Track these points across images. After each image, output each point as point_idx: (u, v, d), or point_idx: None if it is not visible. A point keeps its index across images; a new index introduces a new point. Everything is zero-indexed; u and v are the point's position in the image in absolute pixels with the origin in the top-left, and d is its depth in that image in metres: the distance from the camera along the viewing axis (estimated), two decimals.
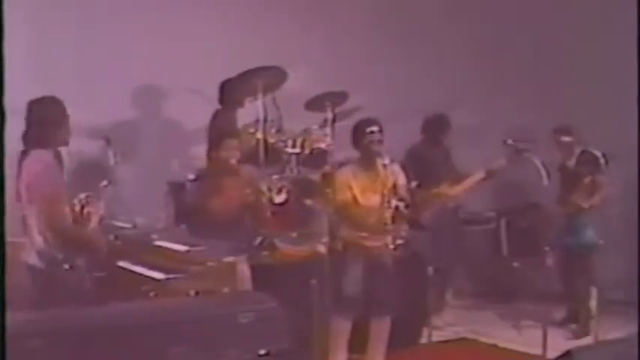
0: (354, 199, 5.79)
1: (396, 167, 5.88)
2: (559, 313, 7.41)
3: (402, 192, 5.76)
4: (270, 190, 6.36)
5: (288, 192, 6.40)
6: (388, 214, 5.73)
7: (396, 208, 5.69)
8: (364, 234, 5.79)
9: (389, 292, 5.82)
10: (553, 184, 6.33)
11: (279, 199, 6.35)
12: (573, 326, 7.23)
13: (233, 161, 6.38)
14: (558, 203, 7.37)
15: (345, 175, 5.87)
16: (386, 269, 5.81)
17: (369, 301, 5.78)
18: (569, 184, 7.30)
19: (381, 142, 5.83)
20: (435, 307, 7.14)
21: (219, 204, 6.22)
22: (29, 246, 4.90)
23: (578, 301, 7.26)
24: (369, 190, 5.81)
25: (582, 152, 7.21)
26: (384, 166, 5.78)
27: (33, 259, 4.85)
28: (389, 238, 5.76)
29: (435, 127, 7.69)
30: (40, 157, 4.84)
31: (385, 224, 5.74)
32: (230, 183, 6.31)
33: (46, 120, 4.92)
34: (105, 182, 5.04)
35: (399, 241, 5.75)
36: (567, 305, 7.49)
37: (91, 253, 5.01)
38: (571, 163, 7.33)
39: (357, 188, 5.80)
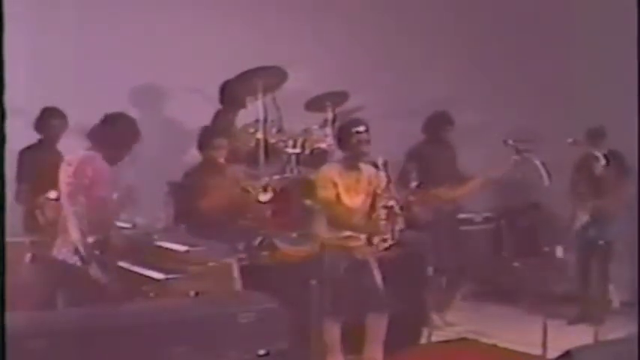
0: (338, 197, 5.76)
1: (382, 173, 5.81)
2: (568, 311, 7.40)
3: (394, 193, 5.74)
4: (254, 188, 6.37)
5: (274, 190, 6.39)
6: (382, 213, 5.70)
7: (391, 207, 5.67)
8: (346, 234, 5.76)
9: (374, 291, 5.77)
10: (556, 184, 6.34)
11: (265, 197, 6.34)
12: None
13: (221, 160, 6.40)
14: (578, 199, 7.41)
15: (329, 173, 5.84)
16: (369, 269, 5.77)
17: (353, 302, 5.72)
18: (592, 183, 7.33)
19: (368, 142, 5.80)
20: (443, 306, 7.18)
21: (206, 203, 6.22)
22: (61, 241, 4.97)
23: (595, 298, 7.31)
24: (353, 190, 5.79)
25: (609, 152, 7.20)
26: (377, 166, 5.76)
27: (64, 255, 4.92)
28: (378, 239, 5.73)
29: (436, 124, 7.65)
30: (96, 161, 4.99)
31: (378, 224, 5.72)
32: (216, 182, 6.32)
33: (124, 136, 5.12)
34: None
35: (390, 242, 5.72)
36: (581, 303, 7.49)
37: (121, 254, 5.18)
38: (598, 165, 7.29)
39: (341, 187, 5.77)
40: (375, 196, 5.78)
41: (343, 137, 5.87)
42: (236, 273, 5.62)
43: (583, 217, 7.41)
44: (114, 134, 5.08)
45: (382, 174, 5.77)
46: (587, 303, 7.43)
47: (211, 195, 6.26)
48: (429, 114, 7.74)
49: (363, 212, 5.79)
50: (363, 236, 5.75)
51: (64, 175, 5.01)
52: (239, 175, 6.53)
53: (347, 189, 5.78)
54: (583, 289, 7.55)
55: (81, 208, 4.87)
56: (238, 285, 5.58)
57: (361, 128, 5.78)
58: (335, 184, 5.76)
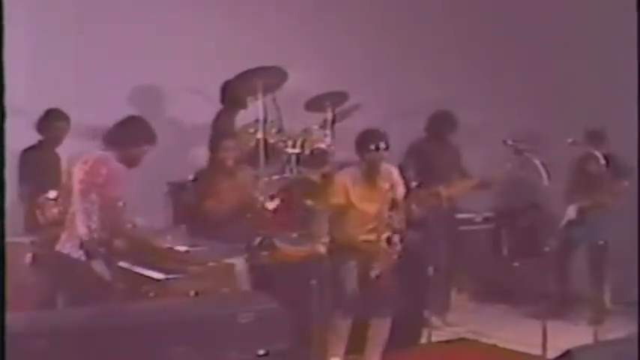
0: (350, 204, 5.72)
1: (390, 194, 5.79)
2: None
3: (396, 223, 5.69)
4: (261, 195, 6.37)
5: (281, 199, 6.39)
6: (382, 242, 5.68)
7: (389, 237, 5.64)
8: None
9: (383, 292, 5.77)
10: (557, 184, 6.35)
11: (272, 205, 6.36)
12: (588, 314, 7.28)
13: (230, 162, 6.40)
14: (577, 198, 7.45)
15: (343, 179, 5.80)
16: (373, 271, 5.76)
17: (364, 302, 5.73)
18: (587, 182, 7.34)
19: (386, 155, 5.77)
20: (440, 307, 7.16)
21: (214, 205, 6.22)
22: (66, 236, 5.02)
23: (590, 297, 7.34)
24: (366, 199, 5.74)
25: (609, 154, 7.20)
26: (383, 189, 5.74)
27: (68, 249, 4.96)
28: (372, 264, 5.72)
29: (439, 124, 7.65)
30: (111, 162, 5.01)
31: (377, 249, 5.70)
32: (226, 184, 6.32)
33: (138, 138, 5.13)
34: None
35: (381, 270, 5.70)
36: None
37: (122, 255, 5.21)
38: (596, 165, 7.27)
39: (354, 195, 5.72)
40: (381, 213, 5.73)
41: (362, 148, 5.74)
42: (244, 272, 5.63)
43: (571, 213, 7.45)
44: (129, 136, 5.10)
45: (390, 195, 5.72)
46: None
47: (219, 197, 6.26)
48: (431, 113, 7.73)
49: (377, 218, 5.74)
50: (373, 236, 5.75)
51: (78, 172, 5.05)
52: (248, 180, 6.51)
53: (360, 198, 5.72)
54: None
55: (91, 206, 4.91)
56: (245, 284, 5.59)
57: (381, 145, 5.69)
58: (347, 192, 5.71)
